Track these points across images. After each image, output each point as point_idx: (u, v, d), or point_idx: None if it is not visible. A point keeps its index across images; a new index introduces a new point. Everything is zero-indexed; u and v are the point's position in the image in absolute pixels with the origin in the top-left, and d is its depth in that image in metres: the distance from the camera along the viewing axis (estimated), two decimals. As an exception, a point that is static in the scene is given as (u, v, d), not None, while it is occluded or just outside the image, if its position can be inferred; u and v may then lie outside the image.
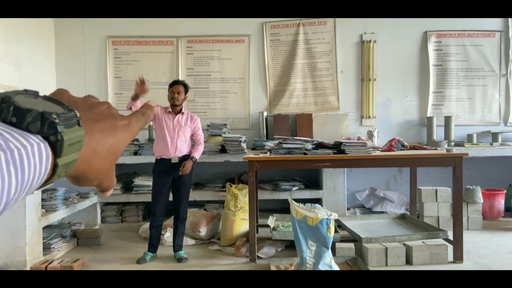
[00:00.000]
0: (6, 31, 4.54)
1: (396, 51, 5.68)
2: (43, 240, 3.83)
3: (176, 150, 3.89)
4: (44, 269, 3.55)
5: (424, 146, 4.33)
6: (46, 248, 3.88)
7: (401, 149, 4.12)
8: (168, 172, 3.90)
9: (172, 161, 3.88)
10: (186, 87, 3.99)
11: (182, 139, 3.93)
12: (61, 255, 4.04)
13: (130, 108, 3.73)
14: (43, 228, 3.84)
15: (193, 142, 4.13)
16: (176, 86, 3.93)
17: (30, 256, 3.57)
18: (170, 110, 3.95)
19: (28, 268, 3.53)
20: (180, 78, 5.65)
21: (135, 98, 3.73)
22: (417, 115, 5.73)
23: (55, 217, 4.08)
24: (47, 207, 4.00)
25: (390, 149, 4.03)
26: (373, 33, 5.66)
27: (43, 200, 3.89)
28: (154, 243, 4.01)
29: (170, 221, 4.64)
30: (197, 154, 3.98)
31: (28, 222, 3.54)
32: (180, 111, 3.97)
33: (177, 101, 3.90)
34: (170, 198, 4.08)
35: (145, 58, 5.74)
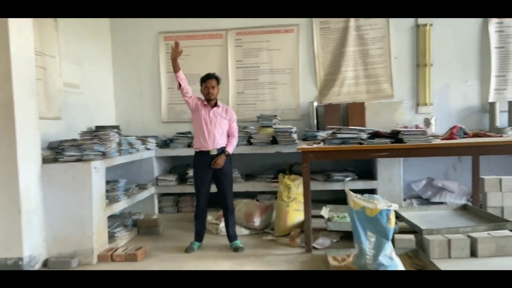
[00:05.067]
0: (67, 32, 4.77)
1: (454, 34, 5.40)
2: (107, 229, 4.03)
3: (214, 142, 3.94)
4: (110, 257, 3.74)
5: (488, 133, 4.10)
6: (110, 236, 4.08)
7: (463, 137, 3.93)
8: (208, 164, 3.97)
9: (211, 153, 3.96)
10: (218, 80, 4.03)
11: (219, 131, 3.98)
12: (124, 243, 4.24)
13: (179, 86, 3.91)
14: (107, 218, 4.03)
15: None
16: (210, 81, 3.97)
17: (97, 244, 3.77)
18: (206, 103, 4.00)
19: (95, 256, 3.73)
20: (229, 70, 5.73)
21: (174, 66, 3.88)
22: (478, 101, 5.43)
23: (118, 208, 4.27)
24: (110, 198, 4.19)
25: (451, 137, 3.85)
26: (429, 16, 5.41)
27: (106, 191, 4.07)
28: (200, 232, 4.11)
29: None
30: (231, 148, 4.03)
31: (94, 212, 3.73)
32: (215, 104, 4.02)
33: (212, 95, 3.97)
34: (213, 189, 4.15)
35: (195, 52, 5.84)
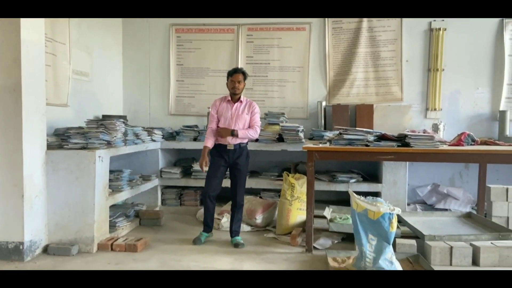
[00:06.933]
0: (79, 19, 4.78)
1: (468, 39, 5.33)
2: (109, 218, 4.03)
3: (232, 138, 3.94)
4: (110, 246, 3.75)
5: (497, 142, 4.05)
6: (112, 226, 4.08)
7: (471, 144, 3.88)
8: (223, 157, 4.00)
9: (228, 148, 3.97)
10: (245, 75, 4.04)
11: (239, 127, 3.99)
12: (125, 233, 4.25)
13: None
14: (109, 207, 4.04)
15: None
16: (237, 75, 3.97)
17: (98, 233, 3.78)
18: (229, 98, 4.03)
19: (95, 244, 3.74)
20: (240, 66, 5.69)
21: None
22: (489, 109, 5.37)
23: (120, 197, 4.28)
24: (113, 187, 4.20)
25: (459, 144, 3.80)
26: (443, 20, 5.34)
27: (110, 180, 4.08)
28: (208, 223, 4.11)
29: (227, 206, 4.73)
30: (242, 132, 3.97)
31: (97, 201, 3.74)
32: (238, 99, 4.02)
33: (238, 90, 3.98)
34: (226, 184, 4.16)
35: (206, 46, 5.83)
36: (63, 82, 4.46)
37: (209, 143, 4.01)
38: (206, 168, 4.03)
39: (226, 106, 4.01)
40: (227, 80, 4.04)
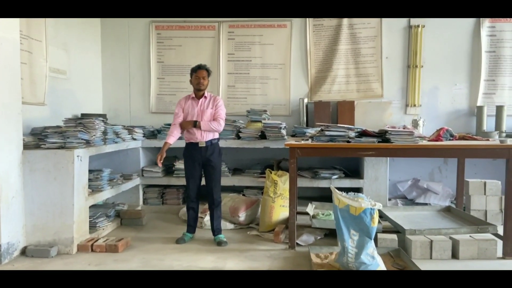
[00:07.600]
0: (56, 16, 4.67)
1: (446, 36, 5.42)
2: (89, 218, 3.96)
3: (202, 134, 3.92)
4: (90, 247, 3.69)
5: (475, 137, 4.12)
6: (92, 226, 4.02)
7: (449, 139, 3.94)
8: (196, 156, 3.97)
9: (199, 145, 3.94)
10: (209, 72, 4.01)
11: None
12: (106, 234, 4.18)
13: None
14: (89, 207, 3.97)
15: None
16: (201, 71, 3.94)
17: (77, 233, 3.71)
18: (194, 96, 4.00)
19: (75, 245, 3.67)
20: (221, 63, 5.67)
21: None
22: (467, 104, 5.47)
23: (101, 197, 4.21)
24: (93, 187, 4.13)
25: (438, 139, 3.86)
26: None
27: (90, 180, 4.01)
28: (191, 223, 4.10)
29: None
30: (204, 124, 3.89)
31: (76, 201, 3.66)
32: (202, 95, 4.00)
33: (202, 86, 3.95)
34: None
35: (187, 43, 5.78)
36: (39, 80, 4.35)
37: (171, 139, 3.99)
38: (160, 164, 3.95)
39: (192, 104, 3.98)
40: (191, 76, 4.00)
